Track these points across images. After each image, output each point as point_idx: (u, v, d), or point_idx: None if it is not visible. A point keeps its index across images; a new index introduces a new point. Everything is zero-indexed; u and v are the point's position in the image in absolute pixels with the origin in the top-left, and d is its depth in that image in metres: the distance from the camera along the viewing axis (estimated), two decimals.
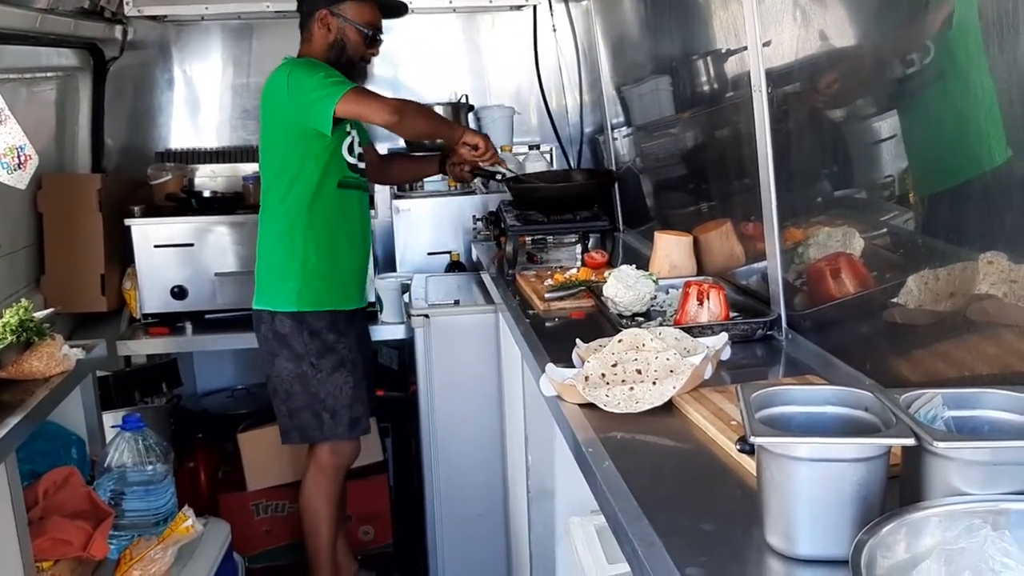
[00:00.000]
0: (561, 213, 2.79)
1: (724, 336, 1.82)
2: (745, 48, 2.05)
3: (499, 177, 2.89)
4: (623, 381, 1.60)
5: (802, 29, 1.85)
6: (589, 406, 1.61)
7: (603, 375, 1.63)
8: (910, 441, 1.02)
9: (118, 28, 3.40)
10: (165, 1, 3.27)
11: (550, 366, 1.73)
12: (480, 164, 2.84)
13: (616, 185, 3.34)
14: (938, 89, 1.45)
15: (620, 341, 1.72)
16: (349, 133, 2.73)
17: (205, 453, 3.32)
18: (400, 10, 2.91)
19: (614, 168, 3.38)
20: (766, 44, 1.97)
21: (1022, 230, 1.27)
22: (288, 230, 2.70)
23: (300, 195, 2.68)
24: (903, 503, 1.02)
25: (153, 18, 3.42)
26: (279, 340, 2.70)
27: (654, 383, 1.57)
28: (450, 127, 2.91)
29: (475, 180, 3.11)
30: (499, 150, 3.48)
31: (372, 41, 2.75)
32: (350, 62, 2.72)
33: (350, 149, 2.76)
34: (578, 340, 1.88)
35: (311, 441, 2.80)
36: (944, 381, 1.44)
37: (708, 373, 1.67)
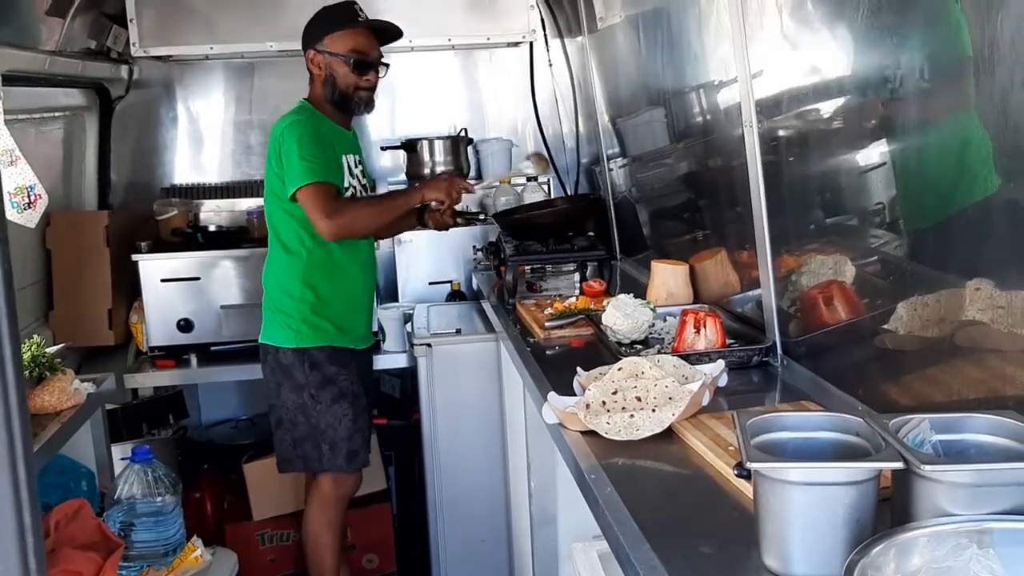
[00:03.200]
0: (549, 237, 2.90)
1: (721, 363, 1.87)
2: (736, 80, 2.12)
3: (482, 218, 3.05)
4: (623, 408, 1.65)
5: (793, 59, 1.91)
6: (590, 433, 1.65)
7: (604, 403, 1.67)
8: (899, 465, 1.06)
9: (124, 68, 3.47)
10: (171, 41, 3.33)
11: (552, 395, 1.77)
12: (456, 210, 2.91)
13: (608, 208, 3.41)
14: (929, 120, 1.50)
15: (620, 369, 1.76)
16: (349, 187, 2.75)
17: (211, 483, 3.34)
18: (391, 32, 2.83)
19: (610, 198, 3.44)
20: (756, 75, 2.03)
21: (1008, 257, 1.32)
22: (289, 270, 2.74)
23: (300, 237, 2.71)
24: (893, 524, 1.07)
25: (159, 58, 3.48)
26: (283, 371, 2.74)
27: (653, 410, 1.62)
28: (406, 198, 2.86)
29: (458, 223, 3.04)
30: (499, 181, 3.58)
31: (361, 68, 2.72)
32: (344, 96, 2.73)
33: (353, 198, 2.79)
34: (579, 368, 1.92)
35: (313, 471, 2.82)
36: (933, 405, 1.48)
37: (706, 400, 1.71)
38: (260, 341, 2.80)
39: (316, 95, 2.76)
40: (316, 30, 2.74)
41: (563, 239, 2.92)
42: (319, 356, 2.72)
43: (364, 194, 2.86)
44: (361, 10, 2.75)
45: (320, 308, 2.73)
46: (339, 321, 2.76)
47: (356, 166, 2.82)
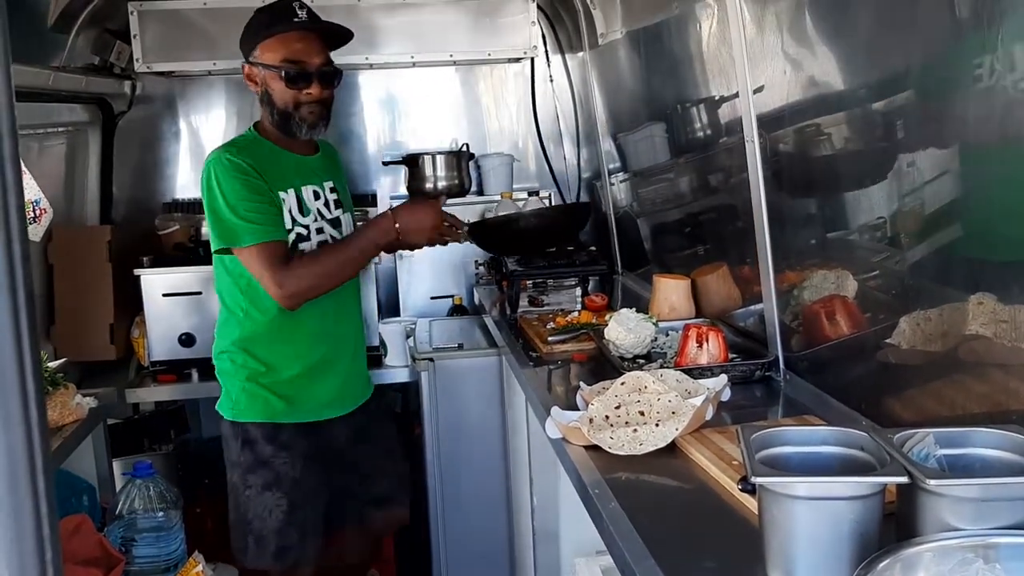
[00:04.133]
0: (535, 248, 2.85)
1: (724, 378, 1.87)
2: (737, 95, 2.12)
3: (462, 231, 2.56)
4: (627, 423, 1.65)
5: (793, 74, 1.92)
6: (593, 448, 1.65)
7: (607, 417, 1.67)
8: (904, 479, 1.06)
9: (127, 83, 3.49)
10: (174, 57, 3.35)
11: (555, 409, 1.77)
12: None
13: (609, 222, 3.41)
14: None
15: (623, 383, 1.76)
16: (305, 228, 2.28)
17: (212, 498, 3.33)
18: (339, 34, 2.33)
19: (612, 212, 3.45)
20: (757, 90, 2.04)
21: (1010, 271, 1.32)
22: (226, 328, 2.34)
23: (234, 294, 2.29)
24: (899, 539, 1.06)
25: (161, 74, 3.50)
26: (223, 440, 2.37)
27: (657, 425, 1.62)
28: (373, 242, 2.28)
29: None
30: (500, 196, 3.58)
31: (298, 80, 2.24)
32: (283, 115, 2.27)
33: (292, 248, 2.26)
34: (581, 383, 1.92)
35: (241, 563, 2.44)
36: (936, 420, 1.48)
37: (710, 414, 1.71)
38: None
39: (263, 117, 2.35)
40: (248, 38, 2.30)
41: (562, 253, 2.92)
42: (254, 433, 2.29)
43: (333, 229, 2.37)
44: (301, 8, 2.26)
45: (261, 376, 2.31)
46: (286, 391, 2.32)
47: (321, 196, 2.34)
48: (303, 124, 2.27)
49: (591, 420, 1.67)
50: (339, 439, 2.41)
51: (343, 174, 2.56)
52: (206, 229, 3.53)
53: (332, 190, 2.38)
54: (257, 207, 2.17)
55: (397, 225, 2.24)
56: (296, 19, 2.24)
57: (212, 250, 2.23)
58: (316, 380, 2.34)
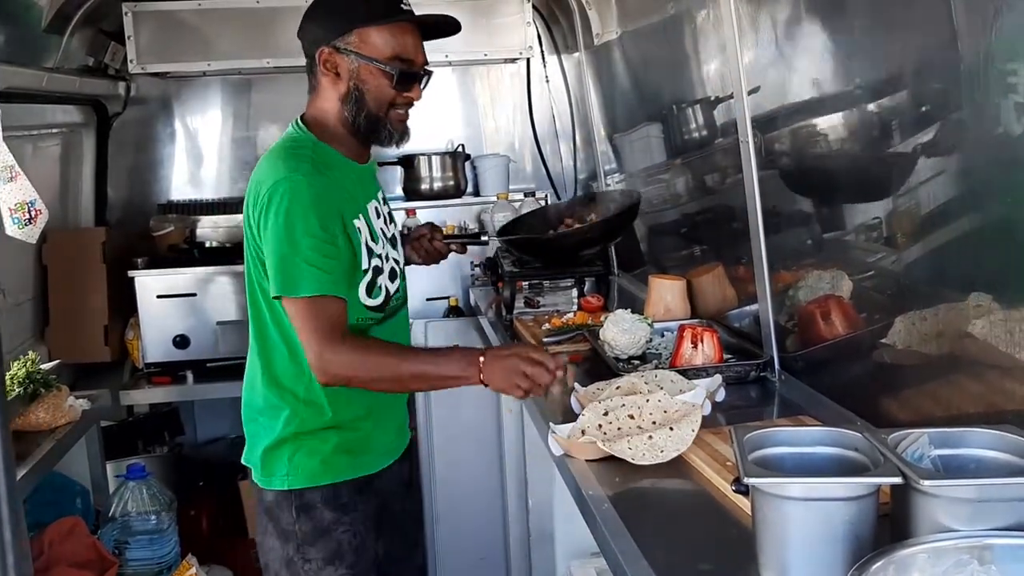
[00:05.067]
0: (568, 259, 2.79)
1: (718, 378, 1.86)
2: (732, 96, 2.12)
3: (484, 239, 2.52)
4: (619, 428, 1.64)
5: (788, 75, 1.92)
6: None
7: (599, 426, 1.65)
8: (898, 480, 1.05)
9: (121, 85, 3.47)
10: (168, 58, 3.34)
11: (554, 426, 1.72)
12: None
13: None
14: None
15: (617, 388, 1.76)
16: (367, 271, 1.84)
17: (207, 501, 3.33)
18: (447, 26, 1.93)
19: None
20: (752, 91, 2.04)
21: (1006, 272, 1.32)
22: (274, 369, 1.87)
23: (289, 332, 1.80)
24: (893, 540, 1.06)
25: (156, 75, 3.49)
26: (265, 510, 1.92)
27: (671, 429, 1.59)
28: (460, 369, 1.76)
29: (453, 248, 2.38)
30: (496, 197, 3.57)
31: (406, 81, 1.84)
32: (373, 120, 1.85)
33: (370, 289, 1.85)
34: (576, 384, 1.91)
35: None
36: (932, 420, 1.48)
37: (706, 411, 1.70)
38: (243, 460, 1.98)
39: (326, 114, 1.86)
40: (338, 18, 1.83)
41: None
42: (312, 497, 1.86)
43: (393, 250, 1.96)
44: None
45: (321, 427, 1.86)
46: (348, 441, 1.88)
47: (380, 214, 1.95)
48: (394, 132, 1.88)
49: (583, 432, 1.65)
50: (392, 491, 2.01)
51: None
52: (201, 230, 3.56)
53: (384, 202, 2.00)
54: (330, 250, 1.74)
55: (482, 378, 1.74)
56: (404, 6, 1.84)
57: (271, 294, 1.78)
58: (380, 421, 1.94)
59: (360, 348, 1.76)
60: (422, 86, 1.90)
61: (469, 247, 2.50)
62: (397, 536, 2.04)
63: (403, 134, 1.91)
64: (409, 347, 1.90)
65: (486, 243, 2.53)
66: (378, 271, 1.86)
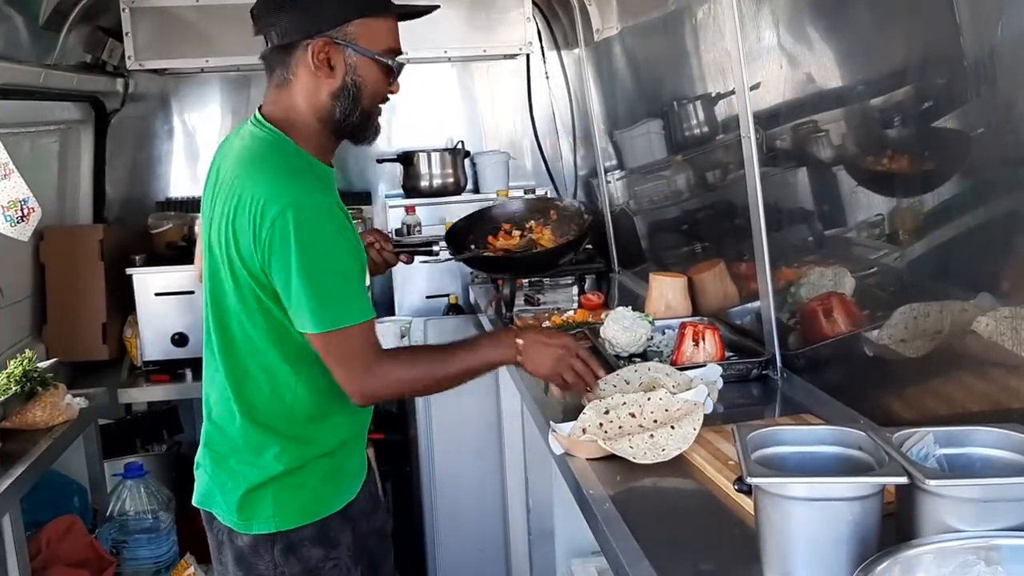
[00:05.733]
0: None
1: (715, 368, 1.85)
2: (733, 92, 2.11)
3: (435, 251, 2.20)
4: (620, 427, 1.62)
5: (790, 70, 1.91)
6: None
7: (600, 424, 1.64)
8: (903, 480, 1.04)
9: (119, 81, 3.46)
10: (166, 55, 3.32)
11: (555, 424, 1.71)
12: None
13: (606, 221, 3.37)
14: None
15: (627, 382, 1.75)
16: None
17: None
18: (419, 10, 1.80)
19: (608, 210, 3.43)
20: (754, 87, 2.02)
21: (1012, 268, 1.30)
22: (252, 410, 1.68)
23: (283, 343, 1.64)
24: (898, 541, 1.04)
25: (154, 71, 3.48)
26: (236, 558, 1.71)
27: (672, 427, 1.57)
28: (497, 353, 1.76)
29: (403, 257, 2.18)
30: (496, 194, 3.56)
31: (396, 76, 1.74)
32: (367, 117, 1.72)
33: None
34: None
35: None
36: (936, 418, 1.46)
37: (709, 407, 1.69)
38: (201, 503, 1.77)
39: (296, 111, 1.67)
40: (335, 7, 1.65)
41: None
42: (297, 537, 1.69)
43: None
44: None
45: (303, 461, 1.69)
46: (328, 471, 1.72)
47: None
48: (377, 128, 1.77)
49: (584, 430, 1.64)
50: (363, 510, 1.82)
51: None
52: (199, 228, 3.54)
53: None
54: (353, 273, 1.60)
55: (520, 359, 1.73)
56: None
57: (310, 330, 1.58)
58: (358, 442, 1.81)
59: (398, 361, 1.67)
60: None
61: (418, 258, 2.30)
62: (367, 559, 1.83)
63: (378, 130, 1.78)
64: (439, 346, 1.79)
65: (437, 254, 2.23)
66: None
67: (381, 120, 1.77)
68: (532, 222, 2.78)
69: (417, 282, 3.45)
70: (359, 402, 1.65)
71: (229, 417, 1.70)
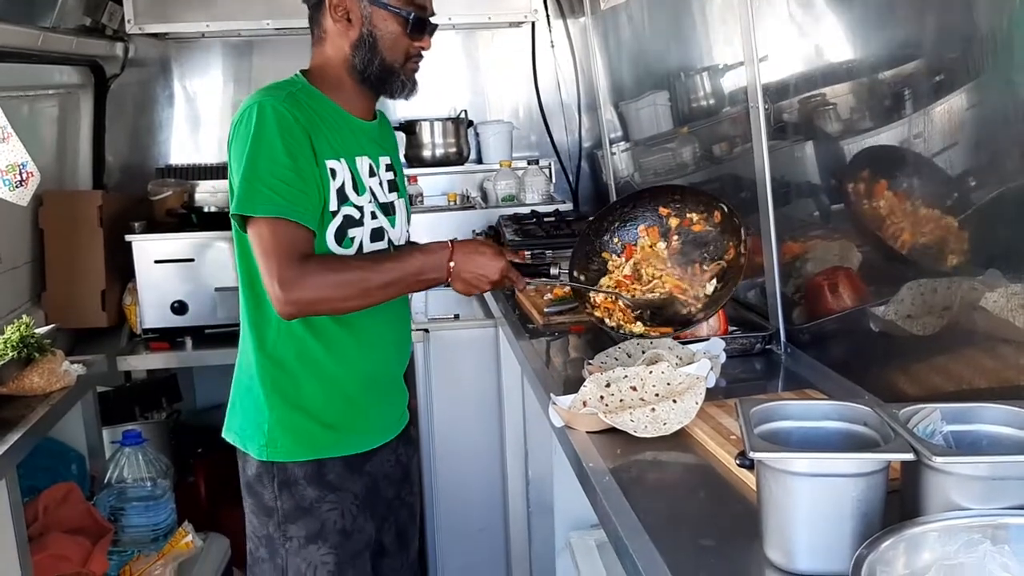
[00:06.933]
0: None
1: (718, 342, 1.83)
2: (742, 63, 2.07)
3: (554, 273, 1.89)
4: (621, 400, 1.60)
5: (800, 43, 1.87)
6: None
7: (601, 397, 1.62)
8: (909, 456, 1.02)
9: (119, 46, 3.42)
10: (166, 19, 3.28)
11: (555, 397, 1.69)
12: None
13: (610, 193, 3.34)
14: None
15: (629, 355, 1.73)
16: (335, 214, 1.73)
17: (205, 468, 3.31)
18: None
19: (613, 182, 3.40)
20: (763, 59, 1.99)
21: (1017, 246, 1.28)
22: (254, 322, 1.80)
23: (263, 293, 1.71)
24: (903, 518, 1.03)
25: (154, 36, 3.43)
26: (245, 484, 1.86)
27: (674, 401, 1.55)
28: (429, 264, 1.74)
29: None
30: (499, 165, 3.52)
31: (419, 29, 1.80)
32: (387, 69, 1.79)
33: (340, 237, 1.74)
34: (587, 361, 1.86)
35: None
36: (942, 395, 1.45)
37: (712, 382, 1.67)
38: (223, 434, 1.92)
39: (330, 63, 1.79)
40: None
41: (564, 224, 2.86)
42: (295, 472, 1.78)
43: (385, 216, 1.83)
44: None
45: (302, 399, 1.79)
46: (333, 417, 1.81)
47: (376, 173, 1.82)
48: (407, 83, 1.83)
49: (584, 403, 1.62)
50: (387, 474, 1.91)
51: (398, 151, 2.05)
52: (200, 195, 3.52)
53: (388, 168, 1.87)
54: (291, 177, 1.65)
55: (452, 264, 1.74)
56: None
57: (232, 221, 1.73)
58: (370, 398, 1.85)
59: (321, 266, 1.66)
60: (431, 35, 1.85)
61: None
62: (389, 527, 1.95)
63: (415, 85, 1.86)
64: (371, 255, 1.78)
65: (556, 276, 1.90)
66: (352, 221, 1.74)
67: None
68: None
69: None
70: (282, 308, 1.65)
71: (243, 343, 1.86)
